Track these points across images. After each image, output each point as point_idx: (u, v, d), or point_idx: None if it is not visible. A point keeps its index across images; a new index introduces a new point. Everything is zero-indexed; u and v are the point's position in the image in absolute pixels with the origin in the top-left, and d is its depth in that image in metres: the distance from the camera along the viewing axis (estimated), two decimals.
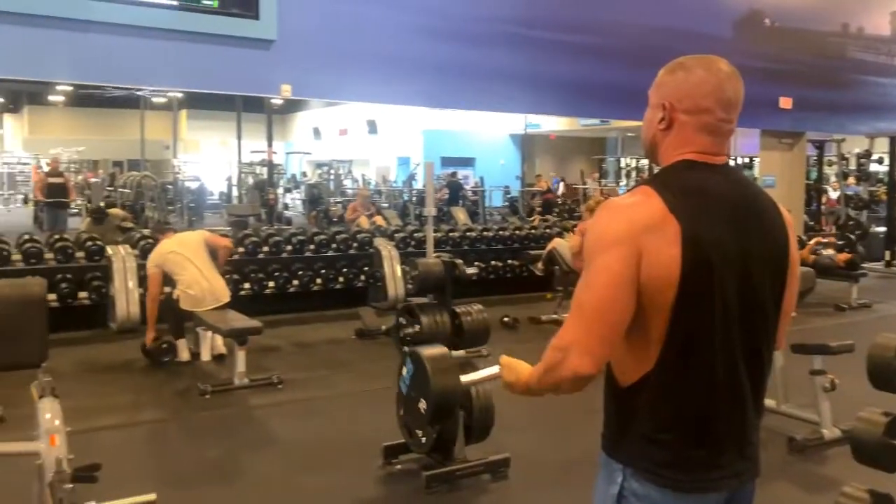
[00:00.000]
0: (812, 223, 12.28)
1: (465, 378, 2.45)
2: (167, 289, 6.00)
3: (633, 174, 22.25)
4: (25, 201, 21.67)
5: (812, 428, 4.25)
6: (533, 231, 9.76)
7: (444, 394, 3.34)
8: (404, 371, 3.61)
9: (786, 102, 9.37)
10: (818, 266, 8.28)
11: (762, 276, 1.47)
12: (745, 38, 8.94)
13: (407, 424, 3.79)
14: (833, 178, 15.50)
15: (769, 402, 4.22)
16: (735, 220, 1.44)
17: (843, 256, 8.97)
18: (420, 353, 3.34)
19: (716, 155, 1.49)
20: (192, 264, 5.82)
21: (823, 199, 13.97)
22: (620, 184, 21.63)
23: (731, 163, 1.65)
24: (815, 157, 13.39)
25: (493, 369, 1.79)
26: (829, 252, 9.11)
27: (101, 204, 11.92)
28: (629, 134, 22.69)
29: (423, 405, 3.44)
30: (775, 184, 9.77)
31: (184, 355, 5.94)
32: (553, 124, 21.86)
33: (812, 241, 9.15)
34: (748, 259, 1.44)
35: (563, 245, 7.54)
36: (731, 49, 8.53)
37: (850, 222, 11.21)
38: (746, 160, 16.69)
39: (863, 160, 12.01)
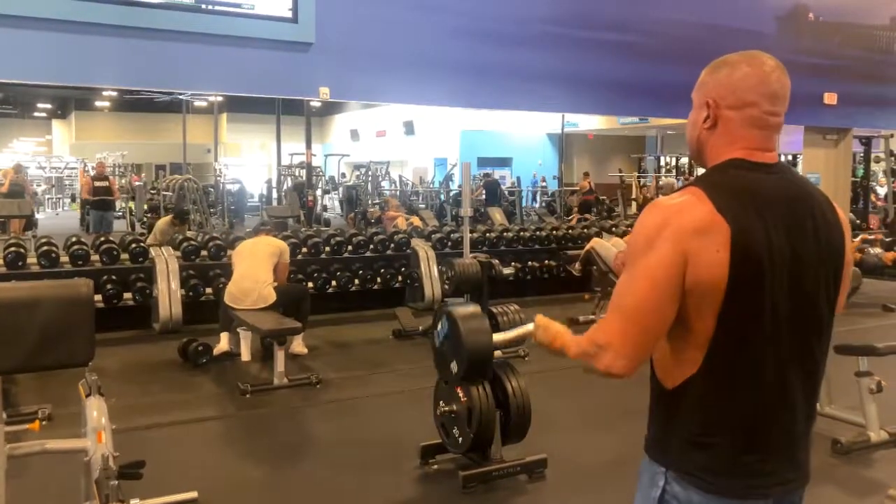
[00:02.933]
0: (858, 221, 12.00)
1: (497, 337, 2.43)
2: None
3: (674, 172, 21.97)
4: (73, 199, 22.15)
5: (858, 430, 4.15)
6: (570, 231, 9.70)
7: (477, 352, 3.34)
8: (438, 327, 3.66)
9: (830, 98, 9.16)
10: (864, 265, 8.10)
11: (816, 278, 1.42)
12: (789, 34, 8.77)
13: (443, 424, 3.80)
14: (880, 175, 15.13)
15: None
16: (787, 220, 1.39)
17: (891, 255, 8.73)
18: (453, 312, 3.38)
19: (765, 151, 1.44)
20: (246, 263, 5.93)
21: (872, 197, 13.65)
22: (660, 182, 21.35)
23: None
24: (862, 154, 13.09)
25: (528, 327, 1.75)
26: (877, 250, 8.89)
27: (185, 207, 12.09)
28: (669, 132, 22.40)
29: (454, 366, 3.50)
30: (820, 181, 9.56)
31: (221, 348, 6.00)
32: (591, 123, 21.69)
33: (857, 240, 8.94)
34: (801, 260, 1.39)
35: (601, 245, 7.48)
36: (774, 45, 8.38)
37: None
38: (790, 157, 16.38)
39: None
